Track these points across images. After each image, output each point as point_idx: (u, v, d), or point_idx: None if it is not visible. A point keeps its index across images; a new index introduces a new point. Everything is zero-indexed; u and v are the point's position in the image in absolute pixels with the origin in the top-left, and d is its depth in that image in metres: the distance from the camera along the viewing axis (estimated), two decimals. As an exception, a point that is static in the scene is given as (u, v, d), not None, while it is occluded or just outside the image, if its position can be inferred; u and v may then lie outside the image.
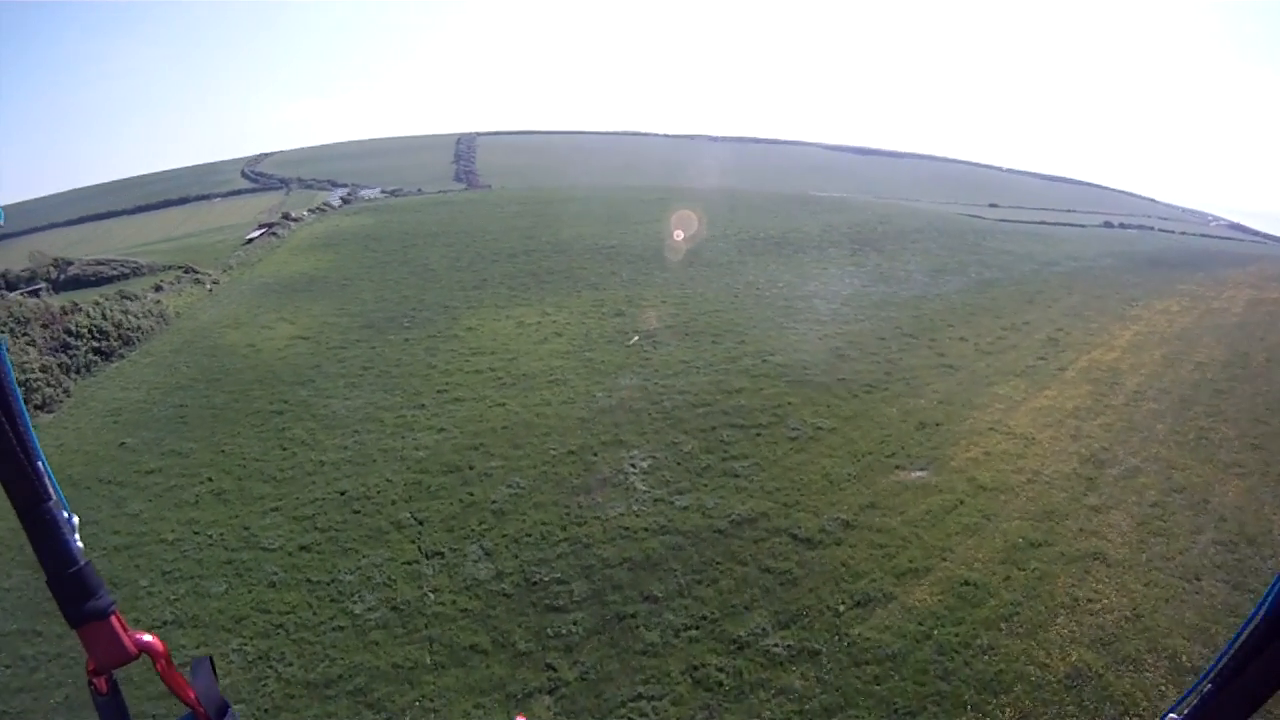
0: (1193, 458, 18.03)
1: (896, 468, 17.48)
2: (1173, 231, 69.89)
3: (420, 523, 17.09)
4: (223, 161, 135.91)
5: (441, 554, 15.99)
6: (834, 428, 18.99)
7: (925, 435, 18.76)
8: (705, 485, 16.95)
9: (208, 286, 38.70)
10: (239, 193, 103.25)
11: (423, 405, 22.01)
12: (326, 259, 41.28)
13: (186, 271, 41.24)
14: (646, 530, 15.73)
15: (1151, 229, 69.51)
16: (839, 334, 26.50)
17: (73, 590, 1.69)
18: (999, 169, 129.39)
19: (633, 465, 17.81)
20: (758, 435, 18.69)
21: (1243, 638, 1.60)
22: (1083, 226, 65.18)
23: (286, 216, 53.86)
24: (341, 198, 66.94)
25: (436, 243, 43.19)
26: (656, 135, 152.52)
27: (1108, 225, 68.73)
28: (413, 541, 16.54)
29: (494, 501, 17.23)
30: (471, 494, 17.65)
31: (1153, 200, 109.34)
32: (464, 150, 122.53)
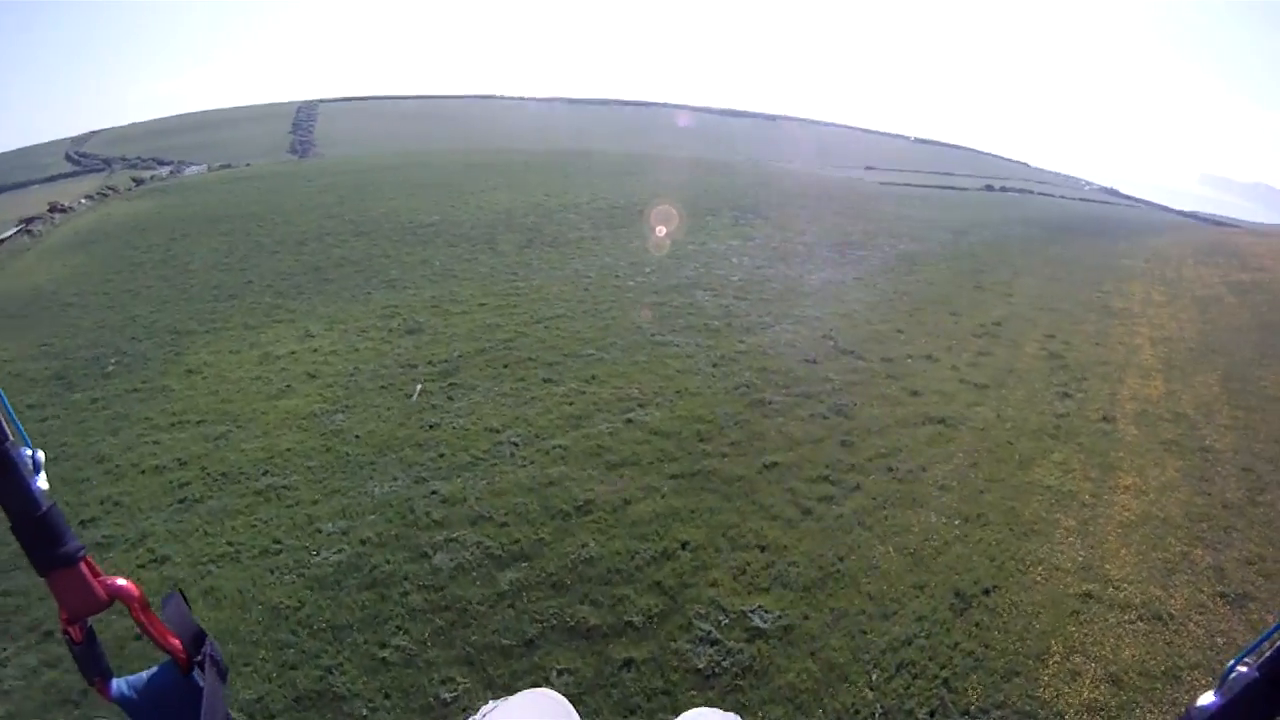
0: None
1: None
2: (1053, 195, 63.53)
3: None
4: (49, 143, 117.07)
5: None
6: (780, 640, 8.22)
7: (976, 635, 8.28)
8: None
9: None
10: (59, 177, 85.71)
11: (15, 568, 10.74)
12: (72, 265, 27.44)
13: (-116, 291, 27.69)
14: None
15: (1032, 192, 62.94)
16: (741, 352, 16.10)
17: (39, 537, 1.42)
18: (868, 131, 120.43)
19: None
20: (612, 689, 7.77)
21: None
22: (965, 190, 57.83)
23: (53, 208, 40.32)
24: (133, 178, 52.50)
25: (213, 231, 30.38)
26: (512, 99, 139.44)
27: (989, 188, 61.29)
28: None
29: None
30: None
31: (1025, 164, 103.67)
32: (303, 119, 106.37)
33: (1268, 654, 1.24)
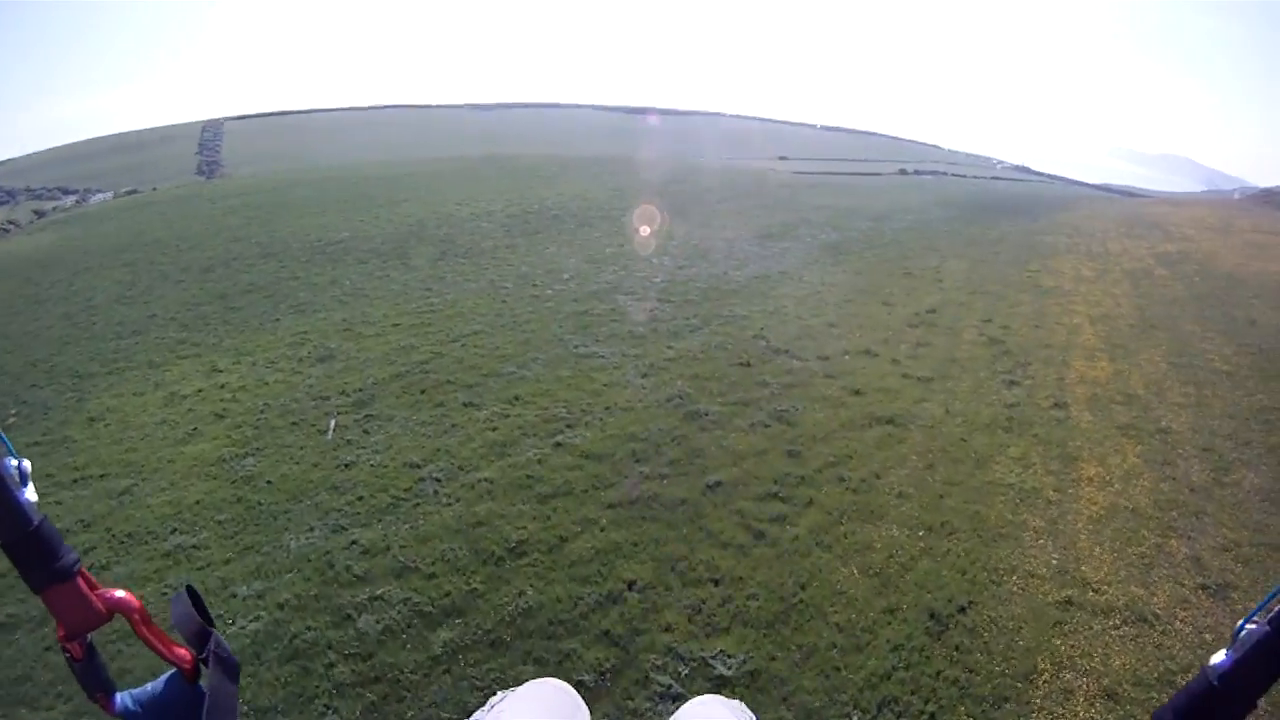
0: None
1: None
2: (965, 176, 63.85)
3: None
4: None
5: None
6: (747, 687, 7.34)
7: (957, 660, 7.32)
8: None
9: None
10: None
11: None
12: (-30, 308, 26.43)
13: None
14: None
15: (945, 174, 63.55)
16: (671, 359, 15.16)
17: (32, 553, 1.32)
18: (776, 122, 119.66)
19: None
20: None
21: None
22: (880, 175, 57.80)
23: (-52, 254, 38.21)
24: (35, 210, 49.87)
25: (116, 262, 28.43)
26: (423, 107, 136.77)
27: (903, 172, 61.52)
28: None
29: None
30: None
31: (937, 147, 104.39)
32: (209, 138, 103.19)
33: (1277, 609, 1.22)
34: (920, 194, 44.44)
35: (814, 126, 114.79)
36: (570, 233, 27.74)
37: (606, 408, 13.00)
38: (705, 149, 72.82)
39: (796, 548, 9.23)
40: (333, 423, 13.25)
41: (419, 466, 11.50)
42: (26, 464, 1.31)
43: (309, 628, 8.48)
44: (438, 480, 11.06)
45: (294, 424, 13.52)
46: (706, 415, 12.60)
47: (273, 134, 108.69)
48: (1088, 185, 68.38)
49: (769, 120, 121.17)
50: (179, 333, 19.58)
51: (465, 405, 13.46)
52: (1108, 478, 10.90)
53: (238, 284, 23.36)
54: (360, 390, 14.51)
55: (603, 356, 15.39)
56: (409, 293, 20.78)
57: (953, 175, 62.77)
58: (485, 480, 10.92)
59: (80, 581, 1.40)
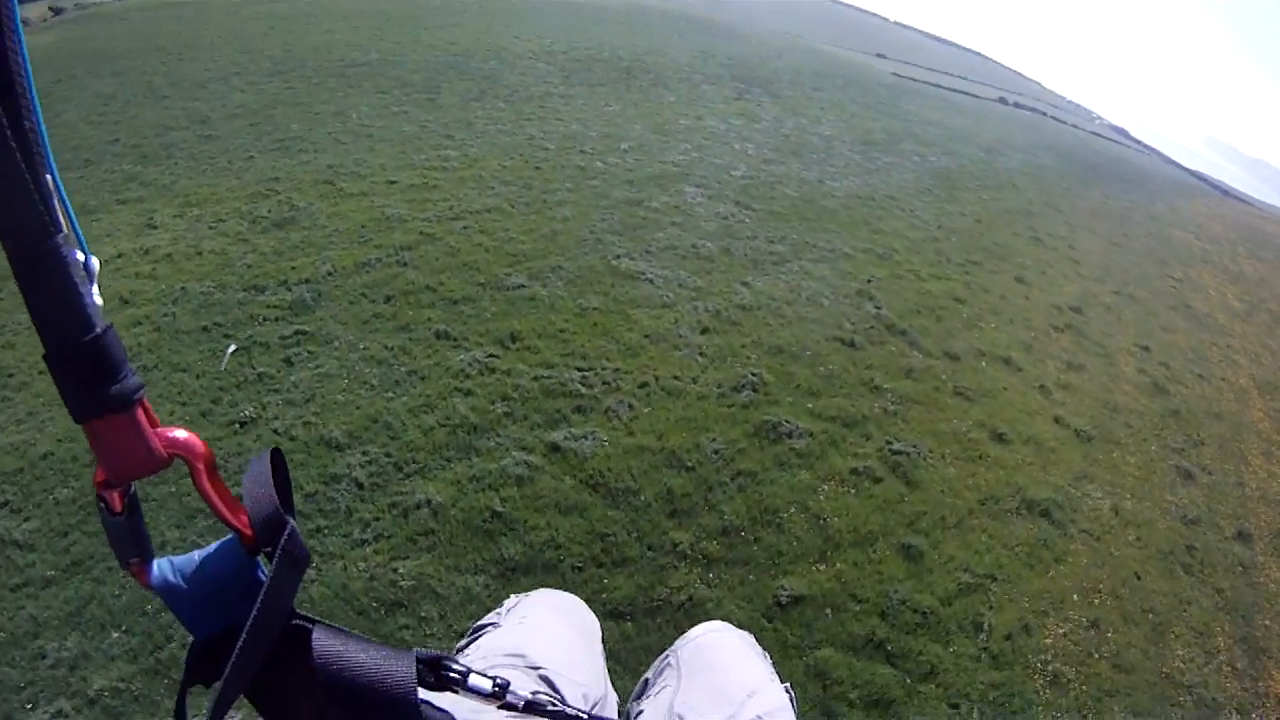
0: None
1: None
2: (1064, 122, 58.28)
3: None
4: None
5: None
6: None
7: None
8: None
9: None
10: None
11: None
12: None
13: None
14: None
15: (1044, 114, 57.86)
16: (745, 308, 10.67)
17: (85, 368, 0.97)
18: (884, 19, 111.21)
19: None
20: None
21: None
22: (978, 98, 52.41)
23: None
24: (51, 7, 43.37)
25: (105, 70, 23.00)
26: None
27: (1003, 101, 56.00)
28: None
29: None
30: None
31: (1040, 84, 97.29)
32: None
33: None
34: (1025, 132, 39.14)
35: (923, 34, 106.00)
36: (641, 91, 23.04)
37: (642, 384, 8.71)
38: (799, 26, 66.44)
39: None
40: (230, 349, 9.02)
41: (341, 448, 7.36)
42: (95, 262, 0.99)
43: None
44: (359, 485, 6.93)
45: (204, 329, 9.28)
46: (791, 435, 8.26)
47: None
48: (1185, 169, 62.35)
49: (874, 15, 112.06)
50: (134, 165, 15.02)
51: (438, 337, 9.23)
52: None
53: (226, 105, 18.68)
54: (306, 282, 10.26)
55: (650, 280, 11.08)
56: (424, 138, 16.31)
57: (1052, 118, 57.42)
58: (427, 504, 6.75)
59: (140, 413, 1.00)
